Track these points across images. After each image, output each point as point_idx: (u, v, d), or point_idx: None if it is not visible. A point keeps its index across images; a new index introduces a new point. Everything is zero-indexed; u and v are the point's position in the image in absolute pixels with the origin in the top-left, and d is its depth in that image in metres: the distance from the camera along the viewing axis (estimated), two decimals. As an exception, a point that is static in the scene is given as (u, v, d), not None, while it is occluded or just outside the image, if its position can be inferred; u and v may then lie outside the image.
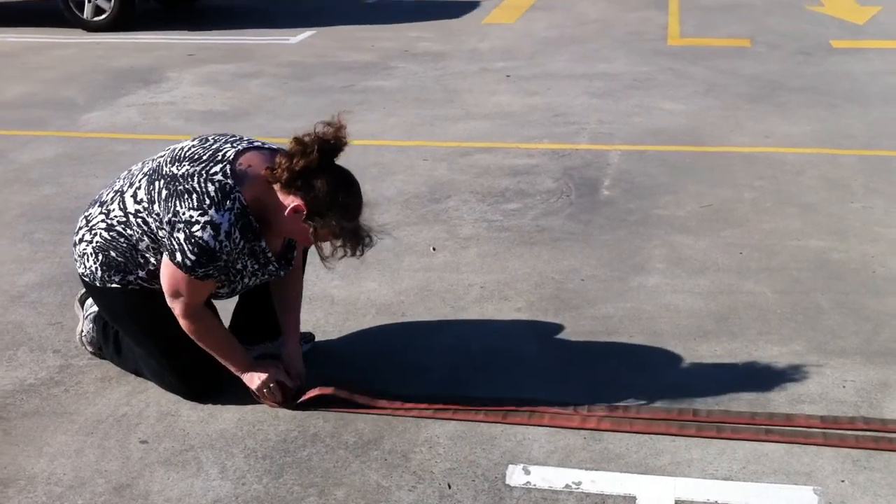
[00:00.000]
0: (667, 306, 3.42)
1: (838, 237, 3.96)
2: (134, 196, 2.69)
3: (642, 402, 2.80)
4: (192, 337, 2.74)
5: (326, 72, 7.25)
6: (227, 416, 2.80)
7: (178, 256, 2.56)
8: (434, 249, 3.96)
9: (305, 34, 8.80)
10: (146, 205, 2.65)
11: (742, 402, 2.81)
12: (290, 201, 2.55)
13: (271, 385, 2.78)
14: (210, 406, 2.84)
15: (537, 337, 3.24)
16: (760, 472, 2.48)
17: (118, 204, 2.72)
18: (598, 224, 4.20)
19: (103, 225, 2.75)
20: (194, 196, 2.54)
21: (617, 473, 2.50)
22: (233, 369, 2.81)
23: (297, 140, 2.55)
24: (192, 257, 2.54)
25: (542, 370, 3.00)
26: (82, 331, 3.10)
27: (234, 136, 2.75)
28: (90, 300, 3.09)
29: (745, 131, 5.52)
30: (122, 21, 9.04)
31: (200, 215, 2.52)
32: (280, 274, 2.80)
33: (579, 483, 2.46)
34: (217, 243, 2.53)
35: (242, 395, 2.86)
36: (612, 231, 4.12)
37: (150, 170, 2.71)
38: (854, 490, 2.40)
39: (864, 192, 4.46)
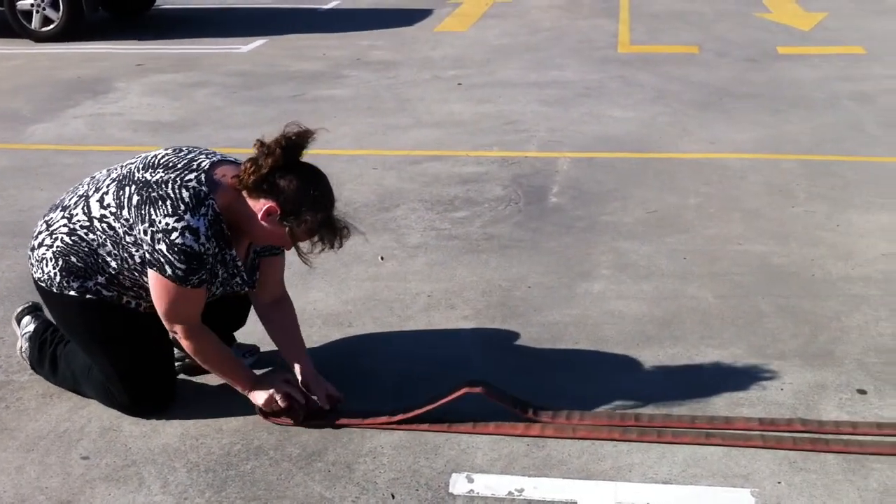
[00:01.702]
0: (612, 312, 3.46)
1: (780, 241, 4.02)
2: (100, 201, 2.66)
3: (586, 408, 2.83)
4: (196, 358, 2.71)
5: (277, 81, 7.23)
6: (169, 430, 2.78)
7: (169, 269, 2.53)
8: (382, 259, 3.97)
9: (256, 43, 8.77)
10: (114, 209, 2.62)
11: (683, 406, 2.84)
12: (262, 205, 2.54)
13: (278, 399, 2.73)
14: (153, 420, 2.82)
15: (483, 345, 3.26)
16: (699, 475, 2.52)
17: (82, 209, 2.69)
18: (546, 231, 4.24)
19: (65, 230, 2.71)
20: (168, 203, 2.52)
21: (559, 479, 2.52)
22: (238, 387, 2.78)
23: (260, 142, 2.56)
24: (182, 266, 2.51)
25: (488, 378, 3.01)
26: (21, 347, 3.06)
27: (208, 149, 2.75)
28: (26, 318, 3.07)
29: (692, 138, 5.60)
30: (71, 31, 8.95)
31: (176, 221, 2.50)
32: (244, 289, 2.79)
33: (522, 490, 2.48)
34: (200, 246, 2.51)
35: (186, 409, 2.85)
36: (560, 238, 4.16)
37: (119, 175, 2.68)
38: (790, 491, 2.44)
39: (806, 197, 4.54)
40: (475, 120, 6.03)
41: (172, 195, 2.53)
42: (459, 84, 7.04)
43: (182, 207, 2.51)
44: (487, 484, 2.50)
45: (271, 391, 2.73)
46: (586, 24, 9.43)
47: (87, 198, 2.70)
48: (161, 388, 2.86)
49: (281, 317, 2.92)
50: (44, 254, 2.75)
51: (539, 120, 6.00)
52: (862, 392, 2.89)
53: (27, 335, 3.04)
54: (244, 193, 2.56)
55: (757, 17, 9.50)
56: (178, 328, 2.65)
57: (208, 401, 2.92)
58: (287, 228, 2.55)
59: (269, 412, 2.78)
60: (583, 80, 7.10)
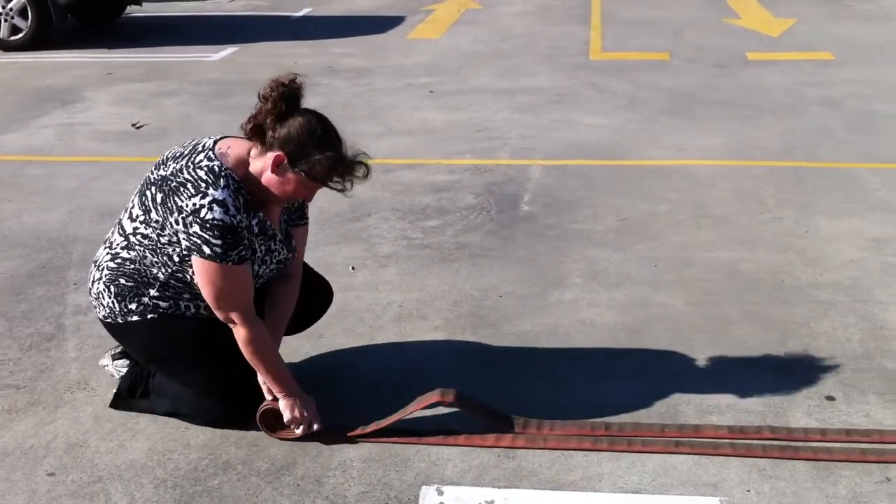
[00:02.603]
0: (583, 321, 3.46)
1: (749, 248, 4.05)
2: (130, 216, 2.68)
3: (557, 417, 2.82)
4: (246, 349, 2.62)
5: (247, 90, 7.15)
6: (136, 445, 2.75)
7: (206, 249, 2.50)
8: (353, 269, 3.95)
9: (227, 51, 8.73)
10: (143, 217, 2.63)
11: (653, 414, 2.85)
12: (269, 158, 2.52)
13: (312, 423, 2.70)
14: (119, 436, 2.79)
15: (454, 355, 3.25)
16: (669, 484, 2.52)
17: (118, 232, 2.73)
18: (518, 240, 4.24)
19: (108, 257, 2.74)
20: (189, 185, 2.51)
21: (529, 490, 2.51)
22: (277, 389, 2.69)
23: (258, 96, 2.53)
24: (219, 241, 2.49)
25: (459, 388, 3.00)
26: (107, 366, 3.05)
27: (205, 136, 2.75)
28: (122, 361, 3.00)
29: (662, 145, 5.62)
30: (40, 40, 8.86)
31: (202, 198, 2.49)
32: (286, 258, 2.75)
33: (492, 501, 2.47)
34: (231, 217, 2.49)
35: (153, 424, 2.82)
36: (531, 246, 4.16)
37: (138, 189, 2.69)
38: (759, 499, 2.45)
39: (774, 203, 4.57)
40: (447, 127, 6.03)
41: (191, 178, 2.52)
42: (431, 91, 7.04)
43: (203, 185, 2.50)
44: (457, 496, 2.49)
45: (306, 412, 2.69)
46: (558, 30, 9.46)
47: (120, 222, 2.74)
48: (251, 392, 2.78)
49: (281, 293, 2.85)
50: (98, 289, 2.76)
51: (511, 127, 6.01)
52: (830, 399, 2.90)
53: (120, 373, 2.99)
54: (253, 154, 2.55)
55: (726, 24, 9.57)
56: (233, 315, 2.59)
57: (176, 415, 2.89)
58: (301, 174, 2.52)
59: (267, 426, 2.73)
60: (554, 86, 7.12)
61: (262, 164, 2.55)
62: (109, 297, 2.73)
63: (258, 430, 2.76)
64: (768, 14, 10.01)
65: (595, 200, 4.69)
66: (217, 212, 2.48)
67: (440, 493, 2.50)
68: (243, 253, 2.55)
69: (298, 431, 2.71)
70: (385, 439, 2.72)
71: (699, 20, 9.79)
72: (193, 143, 2.67)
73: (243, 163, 2.57)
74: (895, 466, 2.57)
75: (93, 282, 2.79)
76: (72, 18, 9.62)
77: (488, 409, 2.81)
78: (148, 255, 2.64)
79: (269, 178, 2.55)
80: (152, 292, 2.69)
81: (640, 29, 9.39)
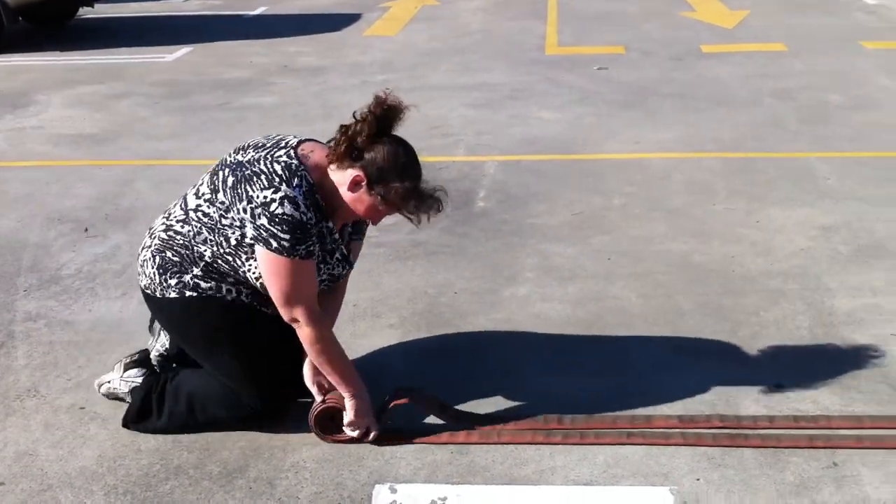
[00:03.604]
0: (537, 315, 3.48)
1: (701, 239, 4.09)
2: (196, 193, 2.66)
3: (511, 412, 2.83)
4: (312, 348, 2.60)
5: (202, 90, 7.15)
6: (87, 452, 2.72)
7: (274, 242, 2.48)
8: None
9: (181, 51, 8.66)
10: (209, 196, 2.61)
11: (606, 406, 2.86)
12: (349, 175, 2.52)
13: (370, 428, 2.68)
14: (70, 443, 2.76)
15: (408, 353, 3.25)
16: (620, 475, 2.54)
17: (179, 205, 2.71)
18: (473, 236, 4.24)
19: (162, 227, 2.73)
20: (263, 177, 2.50)
21: (482, 486, 2.52)
22: (345, 388, 2.65)
23: (354, 115, 2.54)
24: (287, 236, 2.47)
25: (413, 385, 3.01)
26: (108, 382, 2.95)
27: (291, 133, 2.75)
28: (135, 370, 2.94)
29: (617, 138, 5.65)
30: (-10, 43, 8.74)
31: (274, 192, 2.47)
32: (341, 273, 2.74)
33: (445, 498, 2.47)
34: (301, 214, 2.48)
35: (104, 429, 2.79)
36: (486, 242, 4.17)
37: (213, 168, 2.67)
38: (708, 488, 2.48)
39: (727, 195, 4.62)
40: (404, 125, 6.00)
41: (266, 170, 2.51)
42: (388, 89, 7.00)
43: (277, 180, 2.49)
44: (410, 494, 2.49)
45: (372, 418, 2.67)
46: (514, 26, 9.48)
47: (185, 196, 2.72)
48: (286, 380, 2.77)
49: (334, 298, 2.85)
50: (144, 256, 2.76)
51: (467, 124, 6.02)
52: (779, 386, 2.94)
53: (132, 385, 2.91)
54: (332, 166, 2.54)
55: (681, 16, 9.65)
56: (298, 312, 2.56)
57: (128, 420, 2.87)
58: (377, 197, 2.52)
59: (321, 428, 2.70)
60: (510, 82, 7.14)
61: (339, 178, 2.54)
62: (153, 268, 2.71)
63: (255, 429, 2.76)
64: (723, 6, 10.11)
65: (550, 195, 4.71)
66: (287, 207, 2.47)
67: (393, 491, 2.50)
68: (311, 248, 2.54)
69: (354, 434, 2.69)
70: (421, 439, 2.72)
71: (655, 13, 9.87)
72: (277, 137, 2.67)
73: (322, 169, 2.56)
74: (842, 452, 2.61)
75: (143, 248, 2.78)
76: (23, 21, 9.49)
77: (443, 405, 2.81)
78: (204, 231, 2.62)
79: (344, 193, 2.55)
80: (196, 271, 2.67)
81: (595, 23, 9.44)
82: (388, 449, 2.68)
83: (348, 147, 2.50)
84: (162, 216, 2.77)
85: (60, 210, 4.67)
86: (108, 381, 2.96)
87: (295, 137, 2.66)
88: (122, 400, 2.92)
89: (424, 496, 2.48)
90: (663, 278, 3.73)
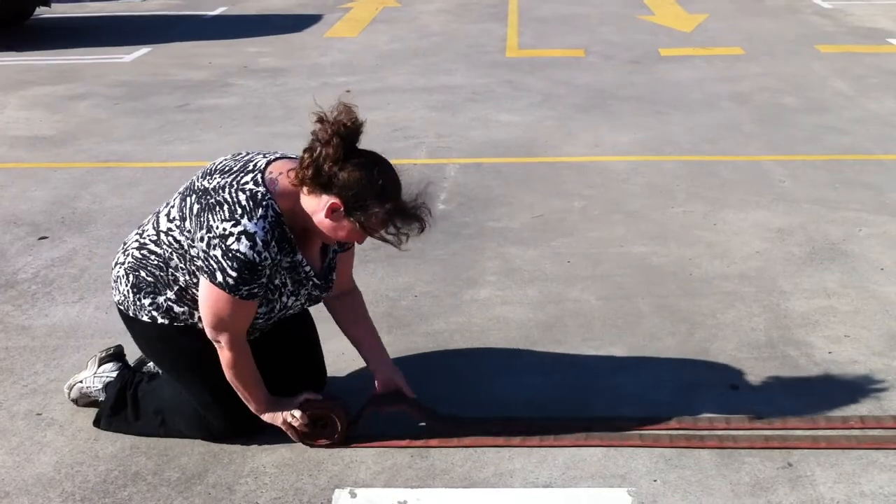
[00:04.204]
0: (497, 318, 3.49)
1: (659, 242, 4.13)
2: (168, 214, 2.59)
3: (471, 415, 2.84)
4: (228, 370, 2.57)
5: (161, 91, 7.09)
6: (44, 459, 2.69)
7: (219, 276, 2.42)
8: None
9: (140, 52, 8.58)
10: (178, 222, 2.54)
11: (565, 408, 2.89)
12: (325, 202, 2.42)
13: (295, 413, 2.63)
14: (26, 449, 2.73)
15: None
16: (579, 477, 2.56)
17: (152, 224, 2.64)
18: (434, 239, 4.24)
19: (136, 245, 2.66)
20: (225, 207, 2.42)
21: (442, 489, 2.53)
22: (252, 408, 2.65)
23: (314, 134, 2.42)
24: (234, 274, 2.40)
25: (372, 390, 3.01)
26: (80, 382, 2.90)
27: (268, 150, 2.65)
28: (110, 365, 2.90)
29: (577, 141, 5.69)
30: (-57, 42, 8.60)
31: (233, 226, 2.39)
32: (320, 295, 2.68)
33: (405, 502, 2.48)
34: (255, 254, 2.39)
35: (62, 436, 2.77)
36: (447, 245, 4.18)
37: (184, 188, 2.60)
38: (665, 489, 2.51)
39: (685, 197, 4.67)
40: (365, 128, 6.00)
41: (229, 199, 2.43)
42: (349, 91, 7.01)
43: (239, 212, 2.40)
44: (370, 498, 2.49)
45: (287, 411, 2.64)
46: (475, 28, 9.51)
47: (157, 213, 2.66)
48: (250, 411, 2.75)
49: (351, 309, 2.83)
50: (118, 273, 2.70)
51: (427, 126, 6.03)
52: (735, 387, 2.98)
53: (106, 380, 2.87)
54: (305, 192, 2.44)
55: (640, 20, 9.73)
56: (222, 338, 2.52)
57: (86, 427, 2.84)
58: (356, 224, 2.43)
59: (305, 436, 2.69)
60: (471, 84, 7.16)
61: (314, 205, 2.44)
62: (126, 286, 2.66)
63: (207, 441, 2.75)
64: (681, 10, 10.21)
65: (510, 198, 4.74)
66: (244, 244, 2.38)
67: (353, 495, 2.51)
68: (255, 290, 2.46)
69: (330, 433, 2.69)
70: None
71: (614, 16, 9.94)
72: (246, 158, 2.56)
73: (293, 194, 2.45)
74: (797, 452, 2.65)
75: (116, 263, 2.72)
76: (-23, 20, 9.35)
77: (429, 410, 2.82)
78: (175, 258, 2.56)
79: (321, 220, 2.45)
80: (169, 294, 2.61)
81: (556, 26, 9.50)
82: (347, 453, 2.68)
83: (315, 173, 2.39)
84: (135, 232, 2.70)
85: (16, 213, 4.61)
86: (80, 381, 2.91)
87: (264, 157, 2.55)
88: (93, 402, 2.89)
89: (384, 500, 2.49)
90: (622, 280, 3.77)
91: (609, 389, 2.99)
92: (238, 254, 2.39)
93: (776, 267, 3.85)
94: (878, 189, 4.71)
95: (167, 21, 10.23)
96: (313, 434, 2.69)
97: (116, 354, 2.96)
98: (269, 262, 2.43)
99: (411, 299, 3.66)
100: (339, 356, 3.10)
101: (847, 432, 2.74)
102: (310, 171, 2.40)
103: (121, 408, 2.80)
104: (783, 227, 4.24)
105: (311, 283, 2.62)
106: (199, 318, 2.60)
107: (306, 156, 2.42)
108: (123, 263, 2.68)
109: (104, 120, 6.33)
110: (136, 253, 2.64)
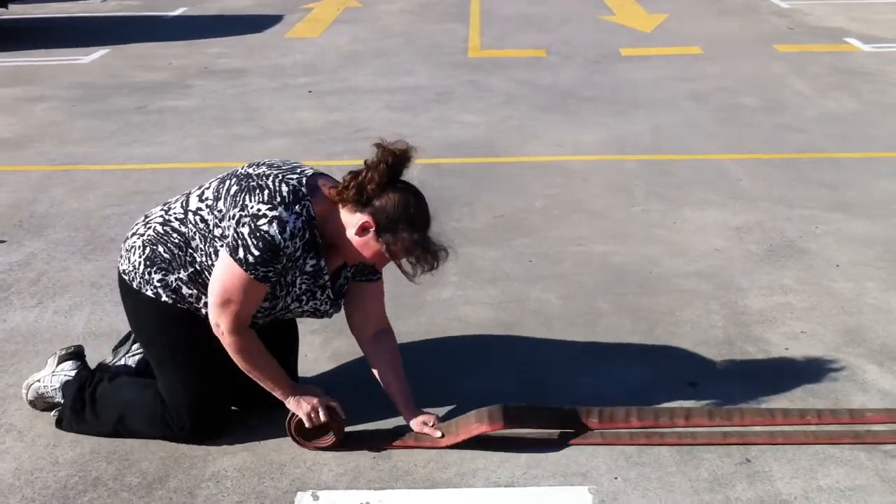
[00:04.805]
0: (458, 318, 3.51)
1: (619, 241, 4.16)
2: (200, 195, 2.63)
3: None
4: (236, 357, 2.57)
5: (120, 92, 7.02)
6: (2, 465, 2.66)
7: (241, 252, 2.44)
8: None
9: (99, 53, 8.49)
10: (210, 202, 2.58)
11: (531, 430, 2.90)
12: (358, 219, 2.51)
13: (319, 410, 2.64)
14: (-17, 457, 2.70)
15: (329, 359, 3.25)
16: (540, 476, 2.58)
17: (181, 203, 2.67)
18: (396, 239, 4.25)
19: (160, 220, 2.67)
20: (266, 192, 2.48)
21: (404, 490, 2.54)
22: (278, 393, 2.65)
23: (365, 162, 2.53)
24: (256, 252, 2.43)
25: (335, 392, 3.00)
26: (38, 381, 2.86)
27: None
28: (69, 363, 2.87)
29: (538, 141, 5.72)
30: None
31: (269, 209, 2.45)
32: (328, 311, 2.71)
33: (367, 503, 2.48)
34: (282, 240, 2.44)
35: (21, 441, 2.74)
36: (409, 246, 4.17)
37: (224, 175, 2.63)
38: (626, 486, 2.53)
39: (644, 196, 4.71)
40: (325, 128, 6.01)
41: (271, 186, 2.49)
42: (310, 91, 7.00)
43: (278, 199, 2.47)
44: (333, 500, 2.49)
45: (314, 401, 2.65)
46: (437, 28, 9.52)
47: (188, 194, 2.68)
48: (222, 411, 2.77)
49: (387, 350, 2.84)
50: (134, 242, 2.69)
51: (389, 126, 6.01)
52: (694, 384, 3.02)
53: (64, 379, 2.83)
54: (340, 207, 2.53)
55: (602, 20, 9.80)
56: (223, 320, 2.52)
57: (45, 432, 2.81)
58: (384, 245, 2.52)
59: (303, 436, 2.68)
60: (433, 85, 7.17)
61: (348, 220, 2.53)
62: (139, 257, 2.65)
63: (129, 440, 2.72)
64: (641, 10, 10.30)
65: (472, 198, 4.75)
66: (274, 228, 2.43)
67: (315, 498, 2.50)
68: (270, 275, 2.49)
69: (328, 439, 2.69)
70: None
71: (575, 16, 10.00)
72: (294, 164, 2.65)
73: (328, 205, 2.54)
74: (755, 448, 2.69)
75: (133, 233, 2.72)
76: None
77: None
78: (197, 238, 2.58)
79: (351, 236, 2.54)
80: (182, 274, 2.62)
81: (517, 26, 9.53)
82: (310, 455, 2.67)
83: (357, 192, 2.49)
84: (160, 208, 2.72)
85: (-28, 217, 4.55)
86: (38, 380, 2.88)
87: (311, 169, 2.64)
88: (49, 404, 2.86)
89: (347, 502, 2.49)
90: (582, 279, 3.80)
91: (569, 388, 3.01)
92: (266, 234, 2.44)
93: (734, 265, 3.89)
94: (834, 187, 4.78)
95: (127, 22, 10.14)
96: (310, 434, 2.69)
97: (76, 353, 2.94)
98: (291, 252, 2.48)
99: (373, 300, 3.65)
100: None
101: (804, 427, 2.78)
102: (352, 190, 2.50)
103: (80, 408, 2.78)
104: (741, 226, 4.30)
105: (325, 294, 2.66)
106: (204, 304, 2.62)
107: (350, 177, 2.53)
108: (143, 235, 2.69)
109: (62, 122, 6.26)
110: (160, 228, 2.66)
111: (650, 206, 4.58)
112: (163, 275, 2.64)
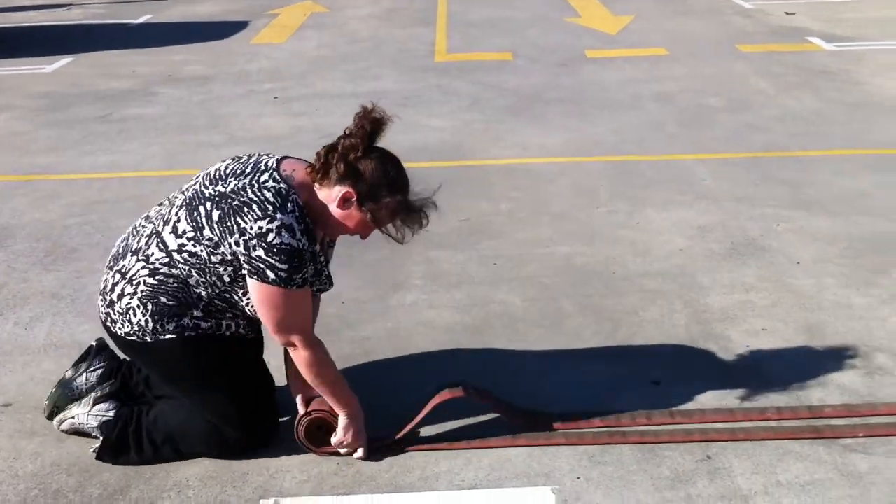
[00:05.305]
0: (424, 322, 3.51)
1: (584, 242, 4.18)
2: (174, 231, 2.53)
3: (399, 420, 2.84)
4: (307, 370, 2.56)
5: (84, 101, 6.97)
6: (-41, 480, 2.64)
7: (271, 274, 2.42)
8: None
9: (62, 62, 8.42)
10: (192, 234, 2.50)
11: (490, 409, 2.90)
12: (338, 192, 2.49)
13: (359, 441, 2.65)
14: (-59, 472, 2.67)
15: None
16: (504, 477, 2.59)
17: (157, 246, 2.56)
18: (361, 245, 4.18)
19: (146, 272, 2.56)
20: (254, 206, 2.44)
21: (368, 495, 2.53)
22: (341, 408, 2.63)
23: (345, 131, 2.52)
24: (284, 266, 2.41)
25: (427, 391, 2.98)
26: (72, 418, 2.78)
27: (261, 151, 2.69)
28: (105, 405, 2.77)
29: (504, 144, 5.74)
30: None
31: (269, 222, 2.41)
32: (327, 287, 2.70)
33: (331, 509, 2.48)
34: (298, 242, 2.43)
35: (-23, 457, 2.71)
36: (375, 251, 4.15)
37: (185, 200, 2.56)
38: (588, 485, 2.54)
39: (609, 197, 4.74)
40: (291, 134, 6.00)
41: (256, 198, 2.45)
42: (276, 98, 6.98)
43: (270, 208, 2.43)
44: (296, 507, 2.49)
45: (365, 435, 2.66)
46: (404, 33, 9.52)
47: (158, 234, 2.57)
48: (272, 419, 2.76)
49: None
50: (129, 304, 2.57)
51: (355, 132, 6.00)
52: (657, 383, 3.04)
53: (103, 419, 2.75)
54: (316, 184, 2.52)
55: (568, 22, 9.84)
56: (295, 339, 2.52)
57: (5, 445, 2.78)
58: (367, 214, 2.51)
59: (312, 441, 2.67)
60: (400, 89, 7.17)
61: (327, 195, 2.52)
62: (144, 315, 2.56)
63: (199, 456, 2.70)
64: (607, 12, 10.35)
65: (438, 202, 4.72)
66: (285, 236, 2.41)
67: (278, 505, 2.50)
68: (306, 276, 2.49)
69: (343, 451, 2.67)
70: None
71: (542, 19, 10.03)
72: (253, 160, 2.59)
73: (307, 187, 2.52)
74: (716, 444, 2.71)
75: (120, 295, 2.59)
76: None
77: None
78: (194, 274, 2.52)
79: (334, 210, 2.53)
80: (195, 313, 2.56)
81: (484, 29, 9.55)
82: (273, 462, 2.67)
83: (335, 163, 2.47)
84: (135, 258, 2.58)
85: (-68, 229, 4.49)
86: (73, 417, 2.79)
87: (270, 157, 2.60)
88: (86, 434, 2.78)
89: (310, 508, 2.48)
90: (547, 281, 3.81)
91: (534, 390, 3.02)
92: (283, 246, 2.41)
93: (697, 263, 3.92)
94: (795, 185, 4.83)
95: (90, 30, 10.06)
96: (321, 441, 2.69)
97: (112, 394, 2.81)
98: (307, 247, 2.47)
99: (338, 306, 3.65)
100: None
101: (764, 423, 2.81)
102: (331, 165, 2.48)
103: (124, 448, 2.69)
104: (704, 225, 4.33)
105: (323, 275, 2.65)
106: (227, 326, 2.61)
107: (324, 150, 2.51)
108: (135, 294, 2.56)
109: (24, 132, 6.20)
110: (151, 280, 2.55)
111: (615, 206, 4.61)
112: (177, 321, 2.57)
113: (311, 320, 2.60)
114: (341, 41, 9.19)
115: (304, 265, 2.47)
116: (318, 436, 2.69)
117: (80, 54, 8.68)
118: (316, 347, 2.58)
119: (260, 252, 2.42)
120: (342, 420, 2.65)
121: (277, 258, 2.42)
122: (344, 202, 2.51)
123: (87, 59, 8.50)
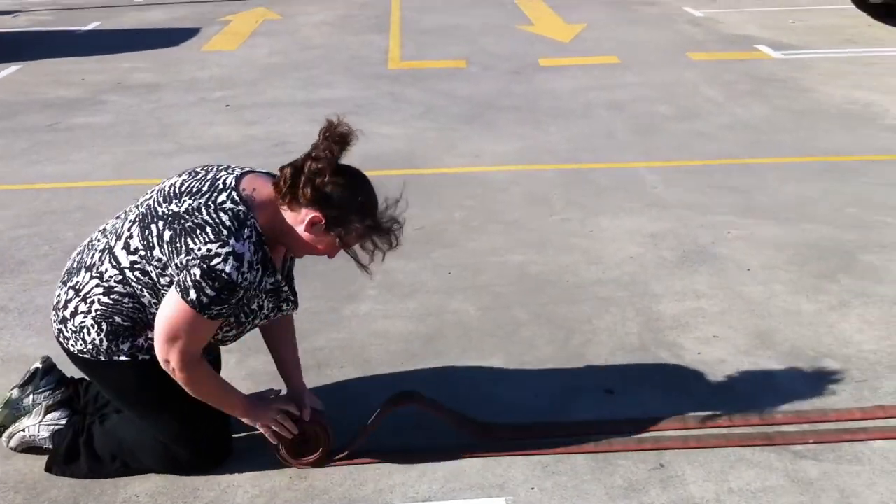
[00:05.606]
0: (377, 333, 3.49)
1: (538, 250, 4.20)
2: (126, 247, 2.45)
3: (351, 431, 2.83)
4: (188, 388, 2.48)
5: (31, 110, 6.85)
6: None
7: (193, 293, 2.31)
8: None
9: (9, 70, 8.27)
10: (143, 252, 2.42)
11: (445, 421, 2.90)
12: (305, 214, 2.40)
13: (277, 417, 2.60)
14: None
15: (246, 377, 3.20)
16: (458, 489, 2.58)
17: (109, 262, 2.47)
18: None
19: (100, 290, 2.48)
20: (208, 229, 2.33)
21: (322, 509, 2.52)
22: (238, 414, 2.60)
23: (312, 149, 2.42)
24: (211, 293, 2.31)
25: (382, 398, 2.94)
26: (23, 430, 2.72)
27: (221, 164, 2.57)
28: (58, 413, 2.73)
29: (457, 152, 5.74)
30: None
31: (220, 247, 2.31)
32: (291, 311, 2.63)
33: (284, 524, 2.46)
34: (240, 275, 2.32)
35: (-81, 476, 2.64)
36: (328, 261, 4.10)
37: (138, 215, 2.46)
38: (542, 495, 2.55)
39: (562, 205, 4.76)
40: (243, 142, 5.95)
41: (211, 220, 2.35)
42: (227, 105, 6.92)
43: (225, 232, 2.33)
44: (248, 522, 2.46)
45: (273, 408, 2.62)
46: (357, 40, 9.50)
47: (110, 249, 2.48)
48: (224, 440, 2.72)
49: (281, 327, 2.79)
50: (82, 322, 2.50)
51: (308, 140, 5.87)
52: (610, 392, 3.05)
53: (55, 429, 2.70)
54: (283, 205, 2.41)
55: (521, 30, 9.88)
56: (172, 357, 2.40)
57: (-53, 464, 2.72)
58: (335, 238, 2.43)
59: (289, 455, 2.65)
60: (353, 97, 7.15)
61: (293, 217, 2.43)
62: (98, 335, 2.50)
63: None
64: (559, 20, 10.42)
65: (392, 212, 4.72)
66: (230, 265, 2.31)
67: (230, 520, 2.47)
68: (224, 311, 2.38)
69: (312, 457, 2.67)
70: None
71: (495, 27, 10.07)
72: (211, 176, 2.48)
73: (271, 206, 2.42)
74: (669, 452, 2.73)
75: (73, 313, 2.52)
76: None
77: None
78: (146, 293, 2.45)
79: (301, 232, 2.44)
80: (150, 333, 2.49)
81: (437, 37, 9.57)
82: (224, 478, 2.63)
83: (301, 187, 2.36)
84: (88, 274, 2.52)
85: None
86: (23, 430, 2.74)
87: (230, 174, 2.49)
88: (37, 448, 2.73)
89: (263, 524, 2.46)
90: (501, 290, 3.82)
91: (489, 399, 3.02)
92: (222, 274, 2.31)
93: (649, 271, 3.95)
94: (745, 192, 4.89)
95: (38, 37, 9.91)
96: (297, 452, 2.66)
97: (64, 401, 2.79)
98: (247, 284, 2.37)
99: (291, 317, 3.62)
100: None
101: (716, 431, 2.83)
102: (297, 188, 2.37)
103: (76, 456, 2.66)
104: (656, 233, 4.37)
105: (285, 301, 2.58)
106: None
107: (290, 171, 2.40)
108: (89, 312, 2.50)
109: (-31, 141, 6.09)
110: (105, 299, 2.49)
111: (568, 214, 4.63)
112: (131, 341, 2.52)
113: (199, 349, 2.47)
114: (294, 48, 9.14)
115: (229, 300, 2.36)
116: (302, 448, 2.68)
117: (28, 62, 8.55)
118: (193, 369, 2.46)
119: (196, 272, 2.32)
120: (249, 422, 2.63)
121: (209, 283, 2.32)
122: (312, 226, 2.42)
123: (36, 67, 8.37)
